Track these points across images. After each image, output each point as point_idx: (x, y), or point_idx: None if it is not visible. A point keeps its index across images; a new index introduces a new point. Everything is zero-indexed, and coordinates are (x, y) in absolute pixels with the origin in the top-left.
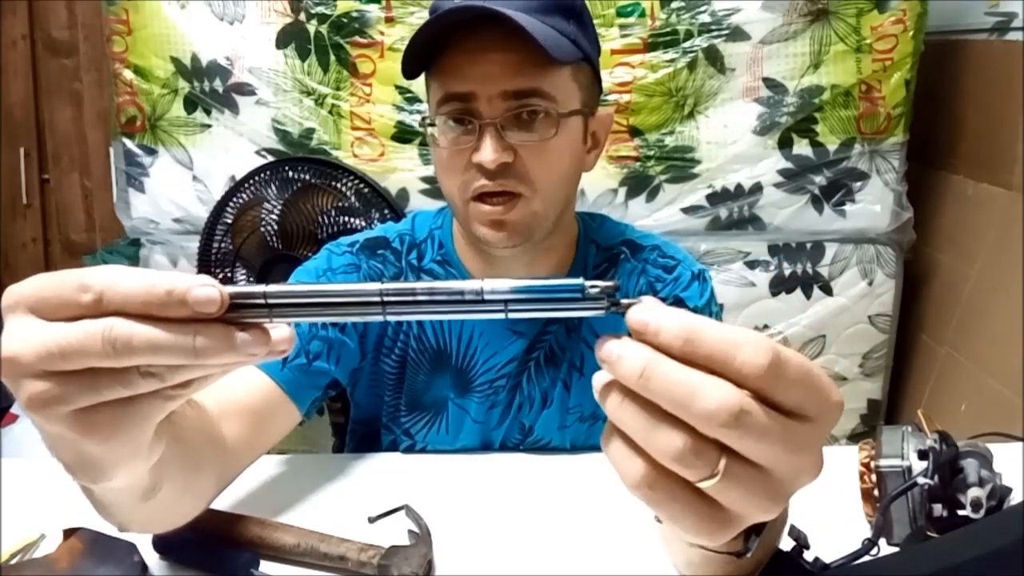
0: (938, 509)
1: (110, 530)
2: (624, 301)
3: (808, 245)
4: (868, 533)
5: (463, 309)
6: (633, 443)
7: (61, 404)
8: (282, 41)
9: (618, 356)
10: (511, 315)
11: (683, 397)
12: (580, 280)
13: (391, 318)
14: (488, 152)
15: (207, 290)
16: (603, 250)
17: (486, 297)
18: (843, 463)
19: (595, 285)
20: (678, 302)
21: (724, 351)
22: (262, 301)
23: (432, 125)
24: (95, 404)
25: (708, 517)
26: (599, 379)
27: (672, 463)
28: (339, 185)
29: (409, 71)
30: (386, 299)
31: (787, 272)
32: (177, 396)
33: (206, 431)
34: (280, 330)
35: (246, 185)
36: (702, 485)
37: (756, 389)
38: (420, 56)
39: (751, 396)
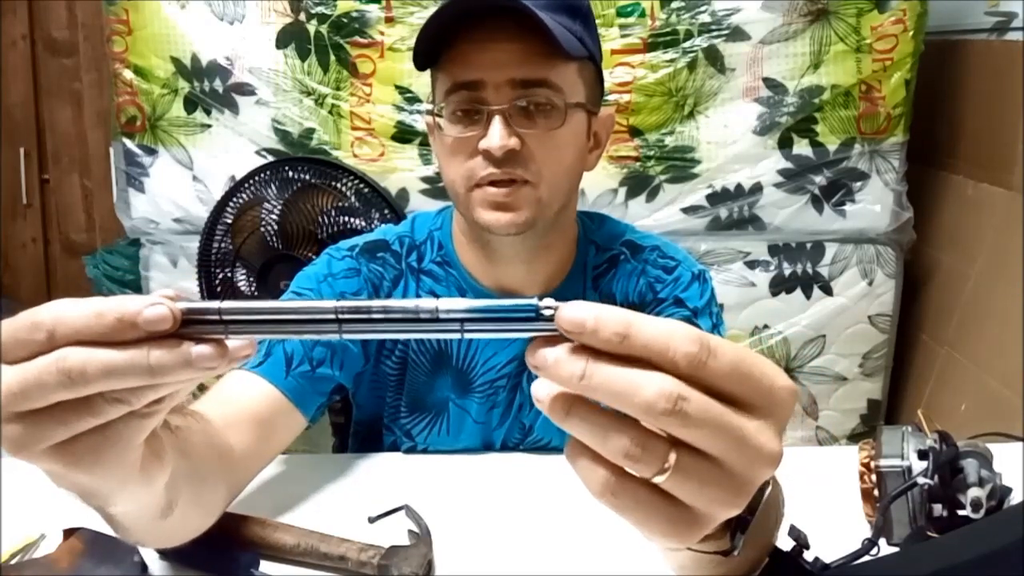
0: (938, 509)
1: (110, 530)
2: None
3: (808, 245)
4: (868, 533)
5: (419, 328)
6: (592, 453)
7: (37, 443)
8: (282, 41)
9: (555, 360)
10: (467, 335)
11: (624, 390)
12: (534, 301)
13: (347, 336)
14: (495, 138)
15: (157, 309)
16: (603, 250)
17: (441, 316)
18: (843, 463)
19: (549, 306)
20: (678, 302)
21: (659, 339)
22: (217, 317)
23: (439, 115)
24: (72, 437)
25: (674, 518)
26: (539, 390)
27: (625, 461)
28: (339, 185)
29: (420, 61)
30: (341, 317)
31: (787, 272)
32: (152, 414)
33: (213, 443)
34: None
35: (246, 185)
36: (657, 480)
37: (690, 376)
38: (431, 45)
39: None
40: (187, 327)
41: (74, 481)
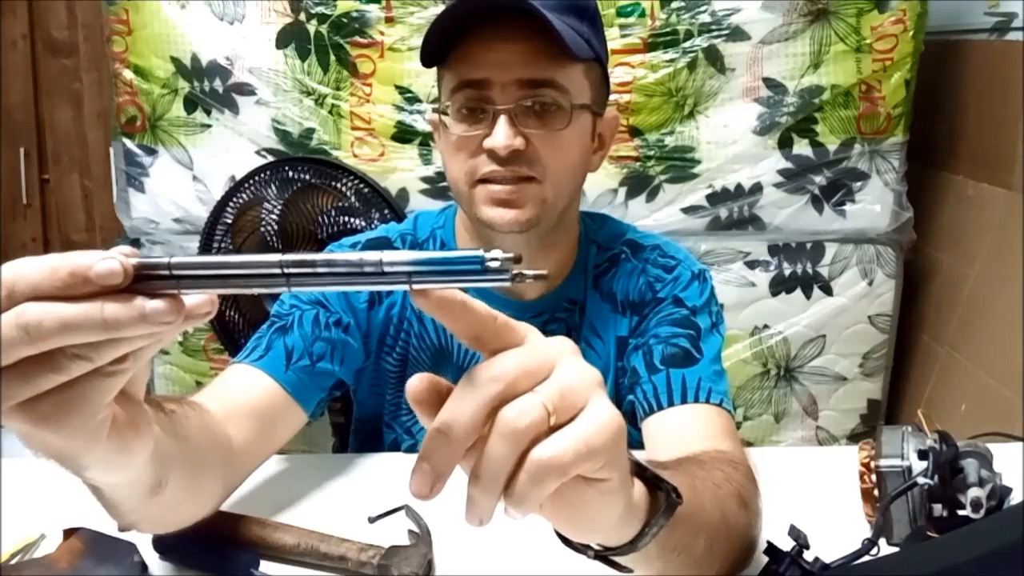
0: (938, 509)
1: (110, 530)
2: (528, 272)
3: (808, 245)
4: (868, 533)
5: (365, 281)
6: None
7: (3, 400)
8: (282, 41)
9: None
10: (415, 286)
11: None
12: (480, 252)
13: (296, 289)
14: (500, 137)
15: (108, 263)
16: (604, 250)
17: (386, 269)
18: (843, 463)
19: (495, 258)
20: (677, 301)
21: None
22: (167, 272)
23: (444, 113)
24: (38, 395)
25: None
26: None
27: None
28: (339, 185)
29: (428, 58)
30: (287, 271)
31: (787, 272)
32: (116, 373)
33: (210, 432)
34: (196, 297)
35: (246, 185)
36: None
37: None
38: (439, 43)
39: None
40: (143, 283)
41: (42, 441)
